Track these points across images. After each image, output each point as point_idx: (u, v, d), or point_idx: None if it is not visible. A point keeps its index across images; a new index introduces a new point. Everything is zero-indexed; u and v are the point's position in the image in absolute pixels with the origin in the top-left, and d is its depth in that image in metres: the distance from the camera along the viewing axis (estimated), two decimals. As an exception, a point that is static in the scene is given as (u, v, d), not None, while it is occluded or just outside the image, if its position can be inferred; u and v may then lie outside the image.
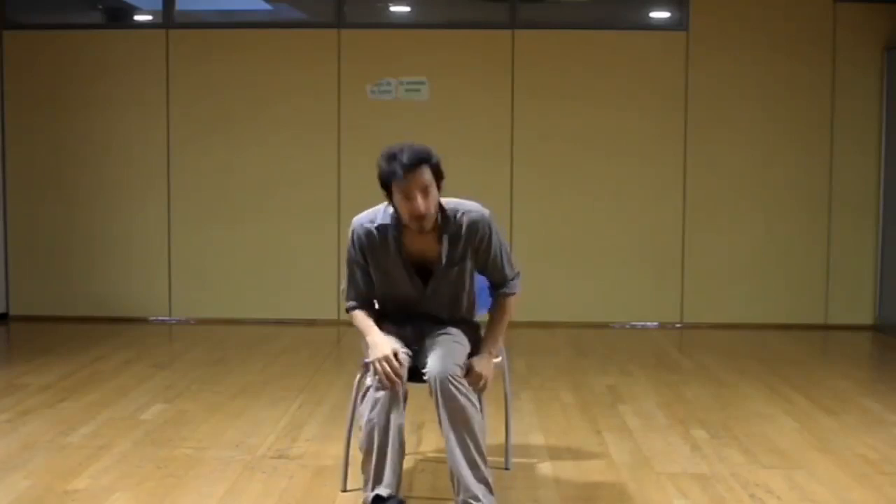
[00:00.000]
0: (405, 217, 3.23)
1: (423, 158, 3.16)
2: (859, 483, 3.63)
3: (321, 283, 7.30)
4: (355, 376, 3.46)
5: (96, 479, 3.61)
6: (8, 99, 7.34)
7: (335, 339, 6.83)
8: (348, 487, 3.51)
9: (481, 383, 3.27)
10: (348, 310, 3.48)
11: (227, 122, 7.29)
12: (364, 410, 3.17)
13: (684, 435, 4.30)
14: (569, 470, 3.81)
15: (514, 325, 7.00)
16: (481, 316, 3.60)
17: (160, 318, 7.40)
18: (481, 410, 3.28)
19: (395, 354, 3.16)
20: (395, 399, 3.13)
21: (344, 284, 3.49)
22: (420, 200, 3.15)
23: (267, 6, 7.77)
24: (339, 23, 7.28)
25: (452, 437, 3.10)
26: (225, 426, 4.39)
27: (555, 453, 4.03)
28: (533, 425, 4.46)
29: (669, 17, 7.41)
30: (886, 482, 3.64)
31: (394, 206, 3.26)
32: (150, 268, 7.38)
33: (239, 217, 7.33)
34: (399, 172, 3.12)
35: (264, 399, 4.93)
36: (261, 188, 7.31)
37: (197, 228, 7.35)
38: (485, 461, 3.13)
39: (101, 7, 7.96)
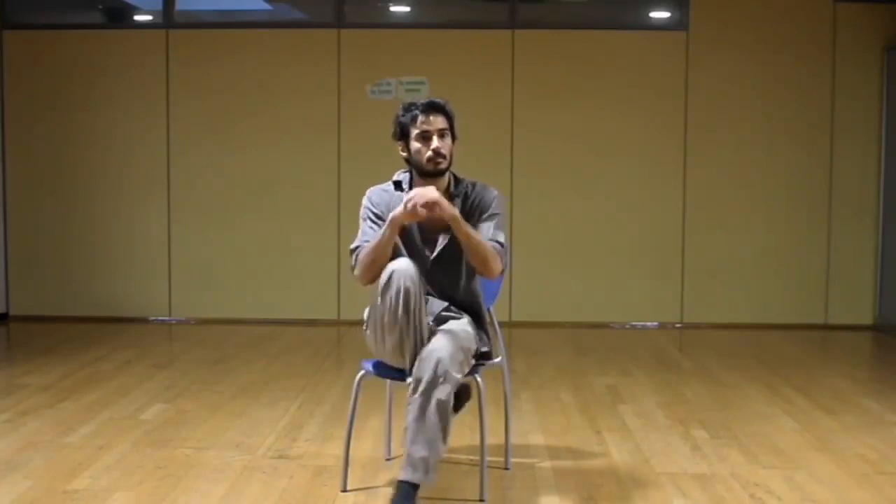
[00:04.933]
0: (422, 159, 3.36)
1: (440, 106, 3.41)
2: (859, 483, 3.63)
3: (321, 283, 7.30)
4: (355, 376, 3.46)
5: (96, 479, 3.61)
6: (8, 99, 7.34)
7: (335, 339, 6.83)
8: (348, 487, 3.51)
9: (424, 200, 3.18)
10: (356, 257, 3.35)
11: (227, 122, 7.29)
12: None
13: (684, 435, 4.30)
14: (569, 470, 3.81)
15: (514, 325, 7.07)
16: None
17: (160, 318, 7.40)
18: (481, 416, 3.30)
19: None
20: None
21: (354, 242, 3.40)
22: (437, 140, 3.34)
23: (267, 6, 7.77)
24: (339, 23, 7.28)
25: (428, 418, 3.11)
26: (225, 426, 4.39)
27: (555, 453, 4.03)
28: (533, 425, 4.46)
29: (669, 17, 7.41)
30: (886, 482, 3.64)
31: (409, 156, 3.40)
32: (150, 268, 7.38)
33: (239, 217, 7.33)
34: (417, 114, 3.37)
35: (264, 399, 4.93)
36: (261, 188, 7.31)
37: (197, 228, 7.35)
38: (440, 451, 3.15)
39: (101, 7, 7.96)
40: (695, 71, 7.19)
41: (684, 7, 7.20)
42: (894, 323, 7.00)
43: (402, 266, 3.18)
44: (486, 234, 3.39)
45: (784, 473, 3.74)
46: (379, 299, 3.19)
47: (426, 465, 3.11)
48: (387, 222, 3.28)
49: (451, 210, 3.25)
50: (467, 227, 3.28)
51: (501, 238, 3.41)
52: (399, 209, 3.23)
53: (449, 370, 3.13)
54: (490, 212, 3.44)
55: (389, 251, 3.29)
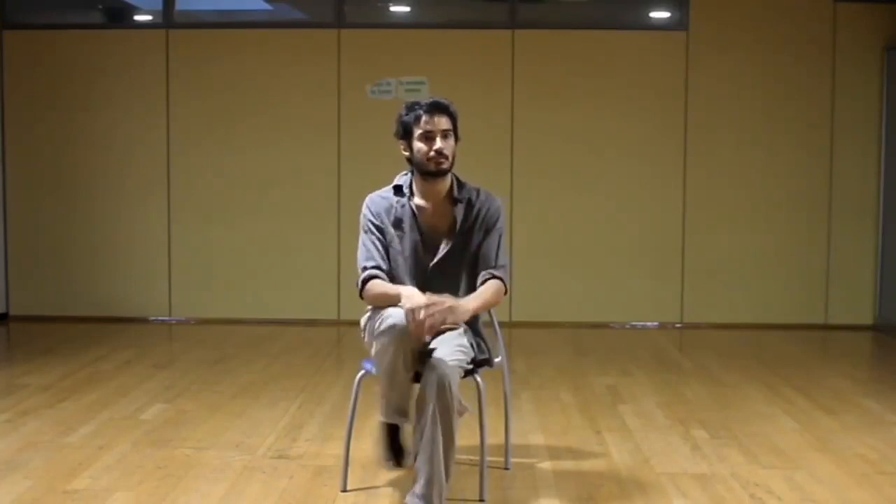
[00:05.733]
0: (424, 159, 3.35)
1: (444, 106, 3.39)
2: (859, 483, 3.63)
3: (321, 283, 7.30)
4: (355, 376, 3.46)
5: (96, 479, 3.61)
6: (8, 98, 7.34)
7: (335, 339, 6.83)
8: (348, 487, 3.51)
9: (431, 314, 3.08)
10: (364, 280, 3.35)
11: (227, 122, 7.29)
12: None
13: (684, 435, 4.30)
14: (569, 470, 3.81)
15: (514, 325, 7.07)
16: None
17: (160, 318, 7.40)
18: (481, 416, 3.31)
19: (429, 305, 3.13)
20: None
21: (360, 259, 3.40)
22: (441, 141, 3.34)
23: (267, 6, 7.77)
24: (339, 23, 7.28)
25: (438, 432, 3.08)
26: (225, 426, 4.40)
27: (555, 453, 4.03)
28: (533, 425, 4.46)
29: (669, 17, 7.41)
30: (886, 482, 3.64)
31: (412, 156, 3.39)
32: (150, 268, 7.38)
33: (239, 217, 7.33)
34: (421, 113, 3.35)
35: (264, 399, 4.93)
36: (261, 188, 7.31)
37: (197, 228, 7.35)
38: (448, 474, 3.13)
39: (101, 7, 7.96)
40: (695, 71, 7.19)
41: (684, 7, 7.20)
42: (894, 323, 7.00)
43: (401, 327, 3.08)
44: (491, 255, 3.39)
45: (784, 473, 3.74)
46: (379, 358, 3.18)
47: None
48: (401, 295, 3.21)
49: (464, 313, 3.22)
50: (482, 300, 3.31)
51: (505, 260, 3.42)
52: (410, 312, 3.07)
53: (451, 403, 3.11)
54: (496, 227, 3.43)
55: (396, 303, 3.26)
